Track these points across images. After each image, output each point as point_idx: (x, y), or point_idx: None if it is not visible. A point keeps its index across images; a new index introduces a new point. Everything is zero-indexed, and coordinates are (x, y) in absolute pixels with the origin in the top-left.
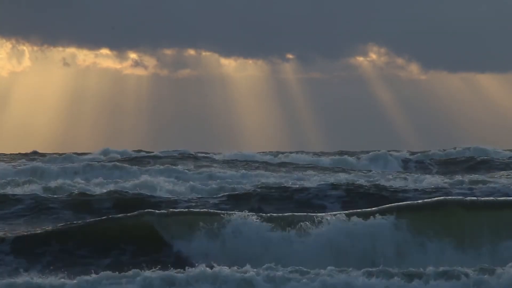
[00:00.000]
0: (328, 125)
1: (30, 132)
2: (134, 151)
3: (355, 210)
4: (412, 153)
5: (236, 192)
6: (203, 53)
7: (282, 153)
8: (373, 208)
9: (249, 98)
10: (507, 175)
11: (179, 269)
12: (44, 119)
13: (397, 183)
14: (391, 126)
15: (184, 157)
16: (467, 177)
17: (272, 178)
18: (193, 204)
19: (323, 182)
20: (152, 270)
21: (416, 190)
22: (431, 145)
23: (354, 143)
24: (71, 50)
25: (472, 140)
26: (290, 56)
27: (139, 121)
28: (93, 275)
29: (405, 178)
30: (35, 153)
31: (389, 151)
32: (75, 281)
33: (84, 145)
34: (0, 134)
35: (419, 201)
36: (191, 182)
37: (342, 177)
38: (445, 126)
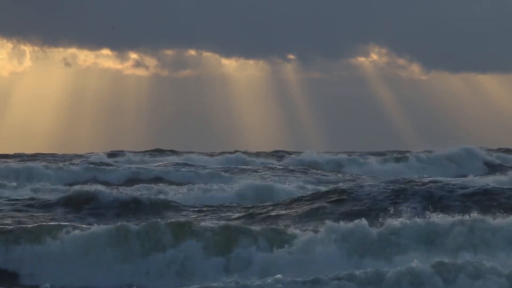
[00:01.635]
0: (329, 125)
1: (31, 132)
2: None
3: None
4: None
5: None
6: (204, 54)
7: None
8: None
9: (250, 98)
10: None
11: None
12: (45, 119)
13: None
14: (392, 126)
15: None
16: None
17: None
18: None
19: None
20: None
21: None
22: (432, 146)
23: (355, 143)
24: (72, 50)
25: (473, 140)
26: (291, 56)
27: (140, 121)
28: None
29: None
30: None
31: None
32: None
33: (85, 145)
34: (0, 134)
35: None
36: None
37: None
38: (446, 126)
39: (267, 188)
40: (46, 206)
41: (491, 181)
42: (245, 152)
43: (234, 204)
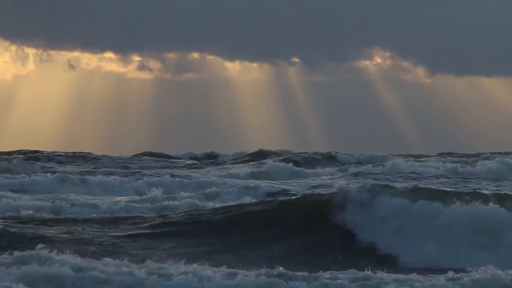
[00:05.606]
0: (333, 129)
1: (34, 135)
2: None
3: None
4: None
5: None
6: (207, 57)
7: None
8: None
9: (254, 101)
10: None
11: None
12: (48, 123)
13: None
14: (396, 130)
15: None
16: None
17: None
18: None
19: None
20: None
21: None
22: (437, 148)
23: (360, 146)
24: (75, 53)
25: (477, 143)
26: (295, 59)
27: (143, 124)
28: None
29: None
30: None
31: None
32: None
33: (88, 148)
34: (4, 137)
35: None
36: None
37: None
38: (450, 129)
39: None
40: None
41: None
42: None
43: None
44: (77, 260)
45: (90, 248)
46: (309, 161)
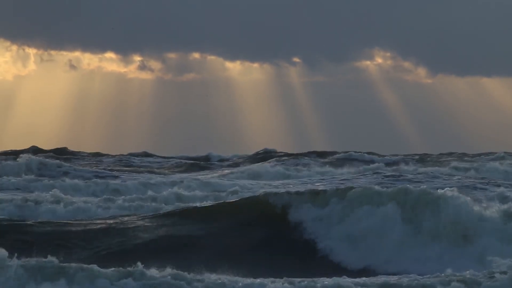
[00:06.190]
0: (334, 129)
1: (35, 135)
2: None
3: None
4: None
5: None
6: (208, 57)
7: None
8: None
9: (255, 101)
10: None
11: None
12: (49, 123)
13: None
14: (397, 130)
15: None
16: None
17: None
18: None
19: None
20: None
21: None
22: (438, 149)
23: (361, 146)
24: (76, 53)
25: (478, 143)
26: (296, 59)
27: (144, 124)
28: None
29: None
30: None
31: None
32: None
33: (89, 149)
34: (5, 137)
35: None
36: None
37: None
38: (451, 129)
39: None
40: None
41: None
42: None
43: None
44: None
45: None
46: (308, 161)
